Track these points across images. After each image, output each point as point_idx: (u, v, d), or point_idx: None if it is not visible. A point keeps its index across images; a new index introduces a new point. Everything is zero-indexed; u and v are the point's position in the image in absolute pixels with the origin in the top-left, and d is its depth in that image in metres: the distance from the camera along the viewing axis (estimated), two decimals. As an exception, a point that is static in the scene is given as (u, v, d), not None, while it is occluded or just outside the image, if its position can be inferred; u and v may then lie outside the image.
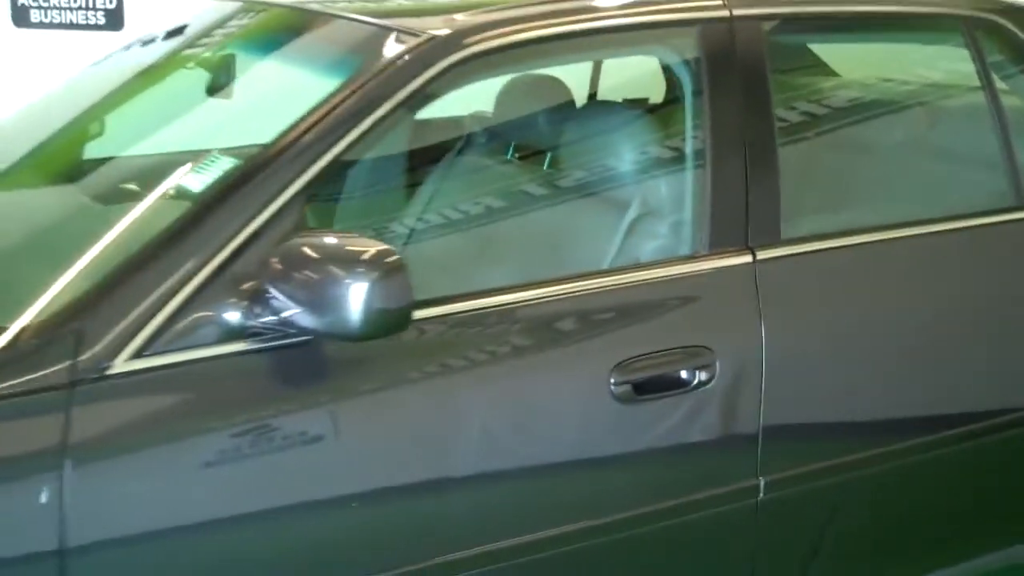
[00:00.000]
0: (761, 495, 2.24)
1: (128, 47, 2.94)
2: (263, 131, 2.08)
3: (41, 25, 5.63)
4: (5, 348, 1.74)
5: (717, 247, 2.21)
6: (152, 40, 2.82)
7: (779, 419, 2.23)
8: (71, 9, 5.61)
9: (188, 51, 2.61)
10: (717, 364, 2.14)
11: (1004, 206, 2.59)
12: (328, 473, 1.89)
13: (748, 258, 2.22)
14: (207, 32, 2.65)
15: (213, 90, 2.47)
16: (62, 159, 2.49)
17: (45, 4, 5.61)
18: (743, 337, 2.20)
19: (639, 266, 2.26)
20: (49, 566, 1.74)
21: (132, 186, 2.21)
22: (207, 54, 2.54)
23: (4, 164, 2.35)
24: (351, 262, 1.75)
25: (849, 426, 2.33)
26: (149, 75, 2.58)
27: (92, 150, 2.42)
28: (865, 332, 2.35)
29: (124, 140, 2.51)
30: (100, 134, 2.45)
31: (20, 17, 5.59)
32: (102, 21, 5.55)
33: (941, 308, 2.46)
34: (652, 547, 2.20)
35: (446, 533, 1.97)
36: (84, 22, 5.58)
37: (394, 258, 1.77)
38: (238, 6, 2.66)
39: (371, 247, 1.78)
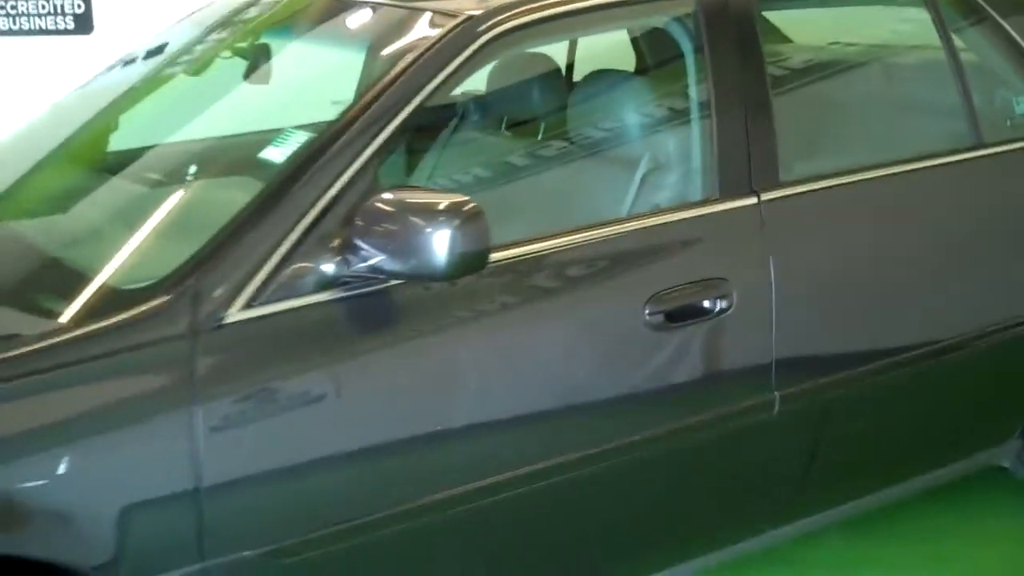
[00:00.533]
0: (776, 408, 2.52)
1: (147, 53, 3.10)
2: (322, 108, 2.31)
3: (10, 32, 5.75)
4: (134, 304, 1.96)
5: (726, 191, 2.49)
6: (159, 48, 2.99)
7: (790, 340, 2.50)
8: (39, 15, 5.70)
9: (221, 41, 2.82)
10: (734, 294, 2.41)
11: (965, 146, 2.92)
12: (420, 403, 2.13)
13: (754, 199, 2.51)
14: (232, 21, 2.86)
15: (263, 76, 2.67)
16: (116, 147, 2.69)
17: (13, 11, 5.72)
18: (754, 269, 2.47)
19: (661, 211, 2.50)
20: (187, 504, 1.96)
21: (217, 163, 2.42)
22: (244, 43, 2.75)
23: (73, 150, 2.55)
24: (435, 212, 1.99)
25: (848, 344, 2.63)
26: (189, 66, 2.77)
27: (151, 137, 2.61)
28: (855, 260, 2.65)
29: (184, 126, 2.71)
30: (157, 123, 2.64)
31: None
32: (71, 26, 5.64)
33: (915, 238, 2.75)
34: (685, 458, 2.46)
35: (520, 449, 2.23)
36: (53, 27, 5.68)
37: (472, 206, 2.02)
38: None
39: (450, 199, 2.02)
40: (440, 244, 1.92)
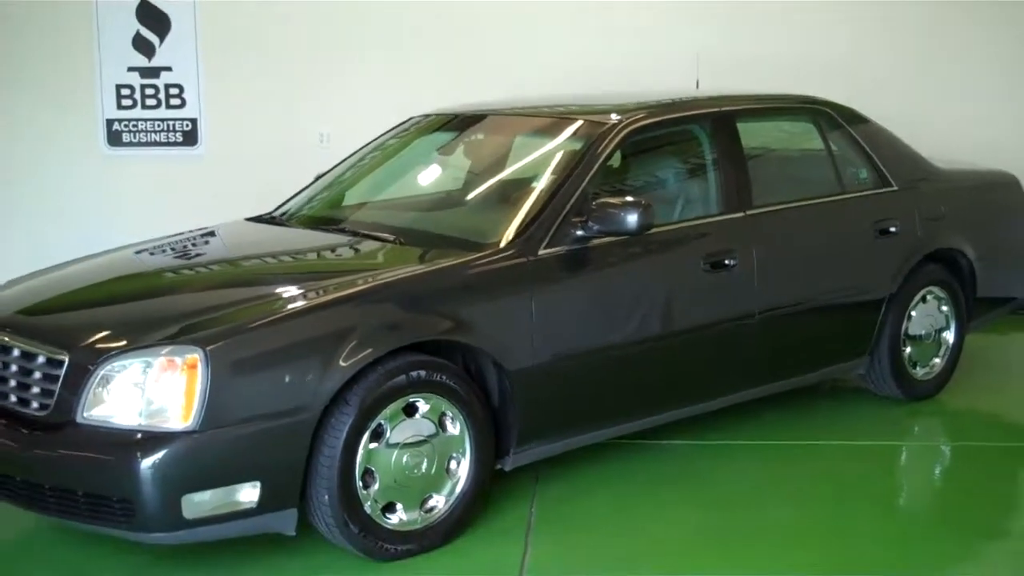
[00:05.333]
0: (756, 318, 4.83)
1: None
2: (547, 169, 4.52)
3: (130, 144, 7.51)
4: (508, 248, 4.05)
5: (731, 209, 4.83)
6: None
7: (764, 283, 4.77)
8: (155, 131, 7.50)
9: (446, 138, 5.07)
10: (737, 256, 4.75)
11: (834, 193, 5.24)
12: (618, 291, 4.19)
13: (743, 214, 4.86)
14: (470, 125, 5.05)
15: (505, 161, 4.80)
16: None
17: (135, 128, 7.55)
18: (745, 248, 4.75)
19: (702, 216, 4.62)
20: (526, 330, 3.97)
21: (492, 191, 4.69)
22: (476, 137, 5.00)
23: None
24: (629, 204, 4.25)
25: (788, 289, 4.96)
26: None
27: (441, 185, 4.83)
28: (787, 247, 4.95)
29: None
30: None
31: (114, 139, 7.48)
32: (181, 139, 7.42)
33: (809, 240, 5.09)
34: (712, 342, 4.59)
35: (648, 324, 4.34)
36: (167, 140, 7.42)
37: (647, 202, 4.28)
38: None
39: (633, 199, 4.26)
40: (633, 217, 4.21)
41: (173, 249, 4.57)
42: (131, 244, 4.71)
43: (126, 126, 7.47)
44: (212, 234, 4.75)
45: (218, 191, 7.15)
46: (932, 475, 4.80)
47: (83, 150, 7.39)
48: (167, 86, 7.39)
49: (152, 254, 4.53)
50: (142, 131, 7.48)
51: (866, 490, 4.41)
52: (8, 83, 7.36)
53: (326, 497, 3.57)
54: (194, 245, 4.61)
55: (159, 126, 7.46)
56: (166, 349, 3.44)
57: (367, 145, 5.27)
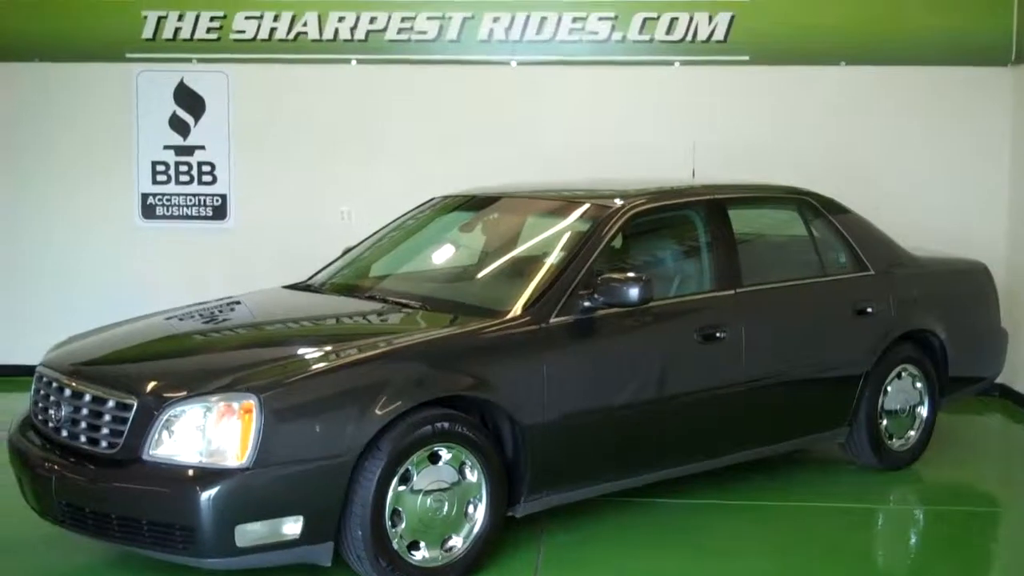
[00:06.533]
0: (743, 386, 5.30)
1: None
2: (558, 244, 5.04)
3: (164, 217, 8.02)
4: (520, 316, 4.52)
5: (722, 287, 5.34)
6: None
7: (752, 355, 5.24)
8: (187, 206, 8.00)
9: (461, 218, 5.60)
10: (728, 330, 5.24)
11: (816, 275, 5.79)
12: (619, 357, 4.66)
13: (733, 291, 5.36)
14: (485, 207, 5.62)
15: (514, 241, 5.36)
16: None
17: (169, 203, 8.06)
18: (735, 323, 5.23)
19: (696, 292, 5.09)
20: (539, 389, 4.40)
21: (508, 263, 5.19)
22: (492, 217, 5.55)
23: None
24: (631, 279, 4.75)
25: (773, 361, 5.44)
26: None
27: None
28: (773, 323, 5.44)
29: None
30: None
31: (148, 212, 8.00)
32: (211, 214, 7.92)
33: (794, 317, 5.56)
34: (704, 407, 5.00)
35: (650, 387, 4.79)
36: (198, 215, 7.92)
37: (647, 278, 4.77)
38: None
39: (635, 275, 4.77)
40: (635, 290, 4.71)
41: (219, 311, 5.05)
42: (180, 306, 5.19)
43: (160, 200, 7.98)
44: (254, 299, 5.23)
45: (245, 262, 7.68)
46: (904, 534, 5.24)
47: (119, 222, 7.90)
48: (200, 164, 7.91)
49: (200, 315, 5.01)
50: (175, 205, 7.98)
51: (842, 546, 4.84)
52: (53, 159, 7.90)
53: (359, 533, 4.01)
54: (237, 308, 5.09)
55: (191, 200, 7.96)
56: (224, 396, 3.90)
57: (392, 222, 5.79)
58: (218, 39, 7.76)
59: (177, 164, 7.92)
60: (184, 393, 3.96)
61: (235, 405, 3.86)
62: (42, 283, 7.92)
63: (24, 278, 7.94)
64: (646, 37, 7.65)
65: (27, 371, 7.46)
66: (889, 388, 5.80)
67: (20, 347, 7.67)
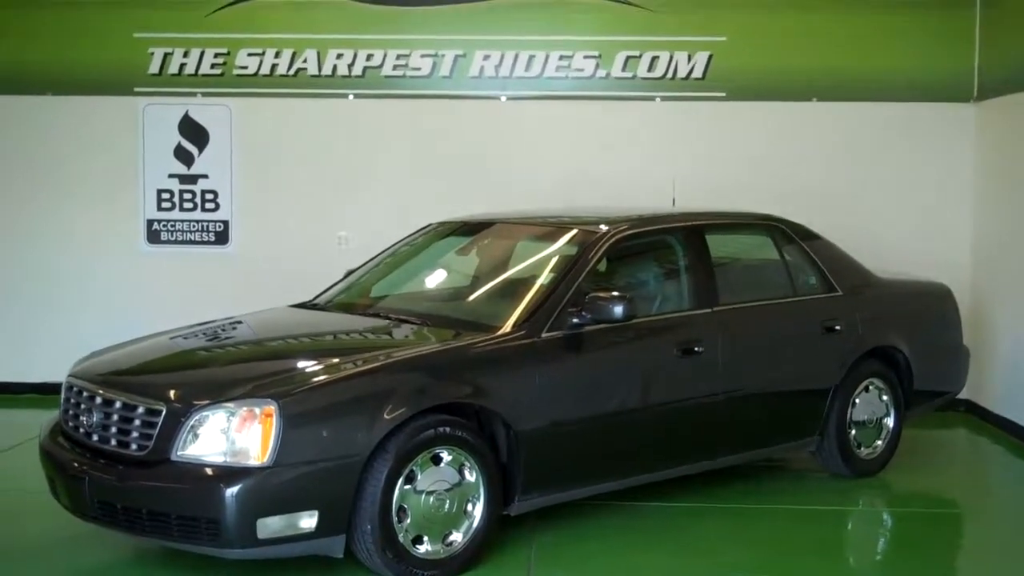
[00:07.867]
0: (721, 397, 5.67)
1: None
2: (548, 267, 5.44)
3: (168, 243, 8.30)
4: (514, 331, 4.89)
5: (700, 305, 5.73)
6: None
7: (727, 368, 5.62)
8: (191, 232, 8.31)
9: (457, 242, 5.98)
10: (705, 345, 5.62)
11: (787, 295, 6.20)
12: (605, 370, 5.02)
13: (710, 310, 5.75)
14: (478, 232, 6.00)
15: (503, 264, 5.75)
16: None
17: (174, 229, 8.38)
18: (712, 338, 5.60)
19: (676, 310, 5.48)
20: (534, 393, 4.79)
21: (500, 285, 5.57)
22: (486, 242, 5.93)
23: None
24: (615, 298, 5.13)
25: (748, 374, 5.82)
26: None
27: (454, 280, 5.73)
28: (747, 339, 5.82)
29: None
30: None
31: (153, 238, 8.31)
32: (213, 239, 8.24)
33: (767, 334, 5.91)
34: (683, 416, 5.37)
35: (634, 395, 5.14)
36: (200, 240, 8.24)
37: (630, 295, 5.16)
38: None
39: (619, 293, 5.16)
40: (619, 308, 5.10)
41: (234, 328, 5.42)
42: (195, 324, 5.56)
43: (164, 226, 8.30)
44: (265, 317, 5.60)
45: (246, 285, 7.97)
46: (872, 533, 5.64)
47: (126, 247, 8.23)
48: (203, 191, 8.25)
49: (216, 331, 5.37)
50: (179, 231, 8.30)
51: (813, 543, 5.21)
52: (64, 187, 8.23)
53: (368, 527, 4.38)
54: (251, 325, 5.46)
55: (195, 227, 8.29)
56: (247, 402, 4.26)
57: (392, 246, 6.18)
58: (222, 74, 8.12)
59: (181, 192, 8.25)
60: (209, 400, 4.32)
61: (256, 410, 4.22)
62: (53, 305, 8.22)
63: (35, 301, 8.23)
64: (629, 74, 8.06)
65: (40, 390, 7.99)
66: (857, 401, 6.18)
67: (35, 367, 8.06)
